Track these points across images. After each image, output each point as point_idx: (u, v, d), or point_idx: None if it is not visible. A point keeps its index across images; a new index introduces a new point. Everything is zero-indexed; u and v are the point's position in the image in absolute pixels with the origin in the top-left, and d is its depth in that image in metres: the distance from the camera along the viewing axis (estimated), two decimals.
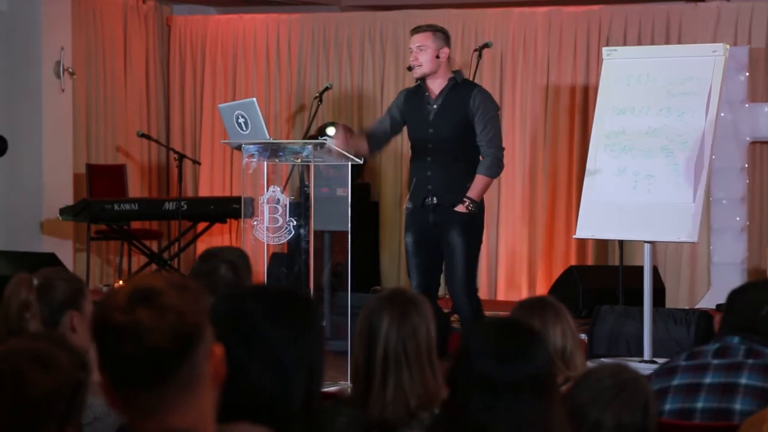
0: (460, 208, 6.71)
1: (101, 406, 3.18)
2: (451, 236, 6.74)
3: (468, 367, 2.38)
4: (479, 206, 6.78)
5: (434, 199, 6.81)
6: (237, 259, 4.44)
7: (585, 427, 2.58)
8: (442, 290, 10.38)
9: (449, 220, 6.74)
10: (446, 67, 6.85)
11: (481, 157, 6.84)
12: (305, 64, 11.36)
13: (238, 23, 11.62)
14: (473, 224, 6.80)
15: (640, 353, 7.44)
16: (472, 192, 6.71)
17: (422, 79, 6.87)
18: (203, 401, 1.89)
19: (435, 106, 6.81)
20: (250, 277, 4.50)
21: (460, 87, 6.82)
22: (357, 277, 7.22)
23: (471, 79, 8.52)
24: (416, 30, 6.91)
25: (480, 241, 6.95)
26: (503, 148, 6.87)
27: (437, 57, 6.80)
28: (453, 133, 6.77)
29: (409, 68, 6.89)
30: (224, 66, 11.62)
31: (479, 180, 6.74)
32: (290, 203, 7.09)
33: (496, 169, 6.79)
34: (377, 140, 7.04)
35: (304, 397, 2.20)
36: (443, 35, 6.88)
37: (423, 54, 6.79)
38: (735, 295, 3.85)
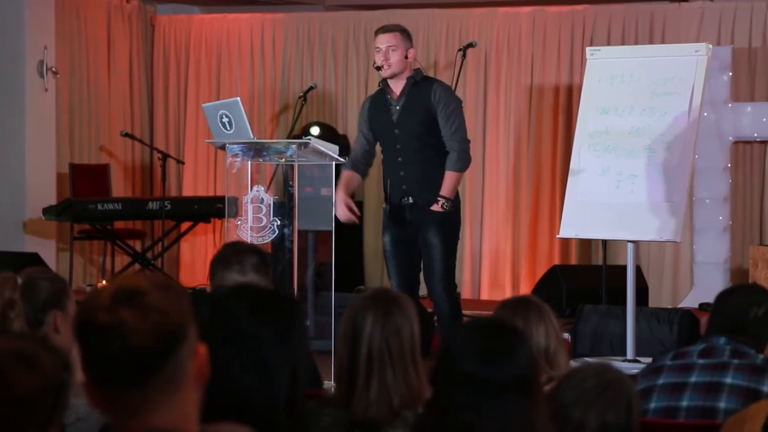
0: (436, 208, 6.73)
1: (84, 407, 3.17)
2: (428, 235, 6.76)
3: (451, 366, 2.38)
4: (454, 203, 6.80)
5: (410, 198, 6.82)
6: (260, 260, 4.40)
7: (569, 427, 2.58)
8: (424, 289, 10.40)
9: (426, 218, 6.75)
10: (410, 68, 6.88)
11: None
12: (289, 64, 11.35)
13: (222, 23, 11.61)
14: (449, 221, 6.82)
15: (623, 352, 7.46)
16: (444, 190, 6.73)
17: (385, 81, 6.89)
18: (187, 401, 1.89)
19: (398, 107, 6.84)
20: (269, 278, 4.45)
21: (420, 84, 6.84)
22: (341, 277, 7.21)
23: (455, 79, 8.52)
24: (385, 30, 6.92)
25: (457, 238, 6.97)
26: (468, 141, 6.89)
27: (406, 57, 6.82)
28: (419, 130, 6.79)
29: (378, 68, 6.90)
30: (208, 65, 11.61)
31: (449, 176, 6.76)
32: (274, 203, 7.08)
33: (462, 162, 6.82)
34: (364, 164, 7.07)
35: (288, 396, 2.20)
36: (409, 36, 6.92)
37: (394, 54, 6.81)
38: (723, 297, 3.88)
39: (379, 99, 6.96)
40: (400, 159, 6.85)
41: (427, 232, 6.76)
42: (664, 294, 10.09)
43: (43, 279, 3.71)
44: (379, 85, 6.97)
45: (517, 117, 10.63)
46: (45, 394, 2.07)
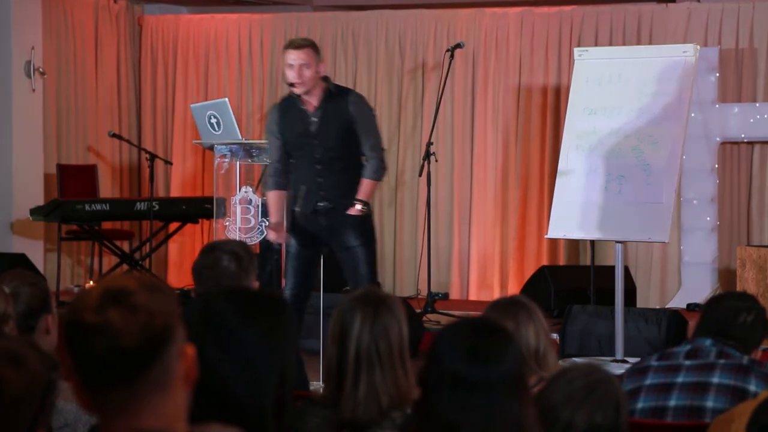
0: (353, 211, 6.73)
1: (72, 413, 3.18)
2: (347, 239, 6.73)
3: (438, 366, 2.38)
4: (370, 207, 6.80)
5: (327, 203, 6.76)
6: (239, 250, 4.40)
7: (557, 427, 2.58)
8: (413, 290, 10.40)
9: (343, 223, 6.72)
10: (320, 80, 6.85)
11: (365, 159, 6.84)
12: (277, 64, 11.35)
13: (210, 23, 11.60)
14: (366, 225, 6.81)
15: (611, 353, 7.47)
16: (362, 194, 6.74)
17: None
18: (175, 401, 1.88)
19: (316, 119, 6.78)
20: (254, 267, 4.44)
21: (336, 95, 6.80)
22: (329, 278, 7.21)
23: (443, 79, 8.54)
24: (296, 46, 6.82)
25: (376, 240, 6.93)
26: (384, 150, 6.86)
27: (317, 72, 6.80)
28: (338, 141, 6.76)
29: (291, 85, 6.76)
30: (196, 66, 11.60)
31: (366, 183, 6.77)
32: (262, 203, 7.09)
33: (381, 172, 6.81)
34: (286, 176, 6.90)
35: (276, 397, 2.20)
36: (318, 49, 6.88)
37: (307, 71, 6.74)
38: (713, 302, 3.90)
39: (292, 109, 6.81)
40: (318, 167, 6.73)
41: (345, 236, 6.74)
42: (651, 294, 10.11)
43: (24, 285, 3.69)
44: (291, 96, 6.81)
45: (505, 117, 10.64)
46: (32, 394, 2.06)
